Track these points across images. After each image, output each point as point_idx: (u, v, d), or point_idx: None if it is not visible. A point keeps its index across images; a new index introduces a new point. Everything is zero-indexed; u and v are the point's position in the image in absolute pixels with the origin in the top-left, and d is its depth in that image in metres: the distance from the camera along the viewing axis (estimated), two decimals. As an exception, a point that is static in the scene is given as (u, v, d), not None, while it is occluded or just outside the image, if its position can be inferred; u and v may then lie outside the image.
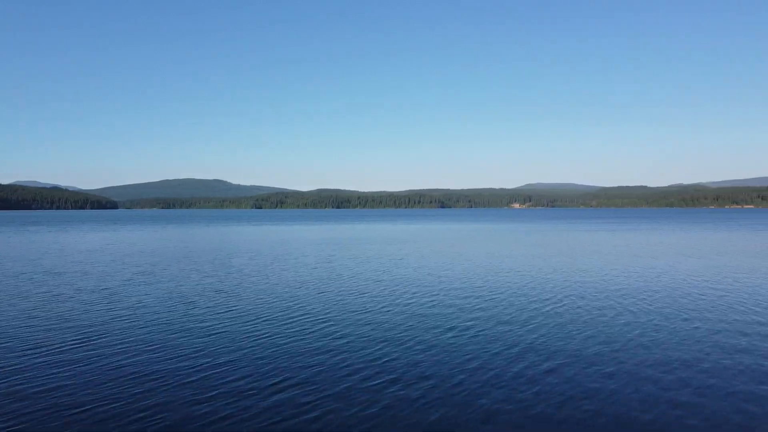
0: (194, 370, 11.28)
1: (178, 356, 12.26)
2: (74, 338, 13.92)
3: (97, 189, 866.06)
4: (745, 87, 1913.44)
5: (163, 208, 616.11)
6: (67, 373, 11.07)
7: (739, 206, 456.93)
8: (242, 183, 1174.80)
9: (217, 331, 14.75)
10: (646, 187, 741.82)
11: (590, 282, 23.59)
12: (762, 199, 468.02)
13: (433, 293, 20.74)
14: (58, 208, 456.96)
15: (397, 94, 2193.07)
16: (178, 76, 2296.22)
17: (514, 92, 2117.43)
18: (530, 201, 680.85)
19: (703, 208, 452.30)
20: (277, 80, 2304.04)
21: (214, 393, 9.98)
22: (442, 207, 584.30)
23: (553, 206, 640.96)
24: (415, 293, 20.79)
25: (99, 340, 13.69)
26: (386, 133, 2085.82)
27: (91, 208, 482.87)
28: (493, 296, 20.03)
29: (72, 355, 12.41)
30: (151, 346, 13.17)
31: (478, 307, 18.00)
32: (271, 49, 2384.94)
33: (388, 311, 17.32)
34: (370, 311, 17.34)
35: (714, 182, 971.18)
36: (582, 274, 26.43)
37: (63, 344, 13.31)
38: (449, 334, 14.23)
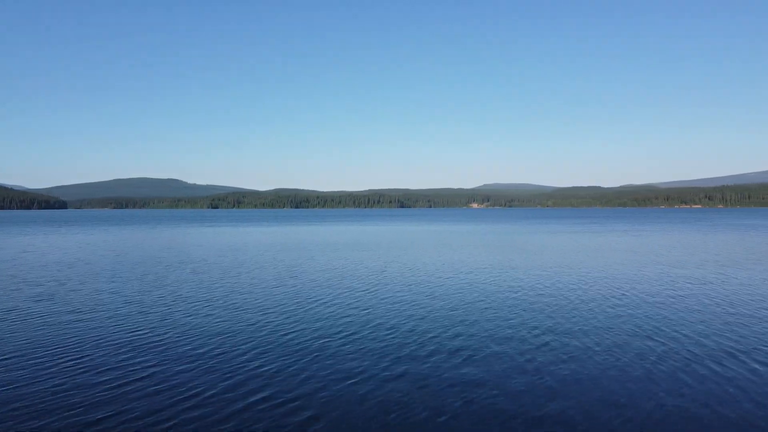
0: None
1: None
2: None
3: (45, 188, 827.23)
4: (693, 92, 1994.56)
5: (115, 207, 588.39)
6: None
7: (688, 206, 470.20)
8: (198, 182, 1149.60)
9: (122, 400, 8.30)
10: (599, 187, 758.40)
11: (626, 298, 18.07)
12: (709, 199, 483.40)
13: (444, 325, 14.72)
14: (2, 208, 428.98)
15: (355, 95, 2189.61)
16: (130, 72, 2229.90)
17: (472, 95, 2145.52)
18: (488, 201, 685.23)
19: (655, 207, 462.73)
20: (234, 78, 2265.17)
21: None
22: (402, 207, 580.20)
23: (510, 206, 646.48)
24: (419, 333, 14.71)
25: None
26: (345, 132, 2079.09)
27: (39, 208, 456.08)
28: (530, 330, 14.20)
29: None
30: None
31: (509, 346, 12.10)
32: (227, 46, 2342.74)
33: (385, 367, 11.22)
34: (356, 363, 11.19)
35: (663, 183, 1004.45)
36: (610, 288, 20.94)
37: None
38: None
